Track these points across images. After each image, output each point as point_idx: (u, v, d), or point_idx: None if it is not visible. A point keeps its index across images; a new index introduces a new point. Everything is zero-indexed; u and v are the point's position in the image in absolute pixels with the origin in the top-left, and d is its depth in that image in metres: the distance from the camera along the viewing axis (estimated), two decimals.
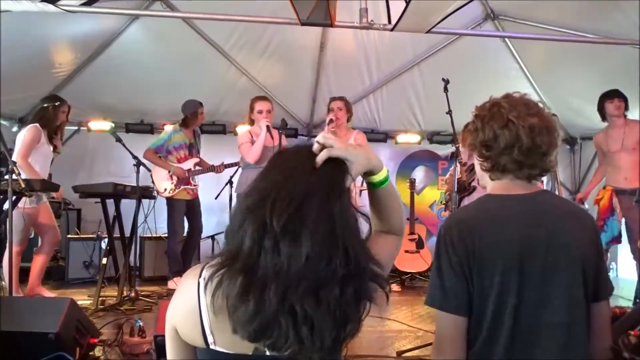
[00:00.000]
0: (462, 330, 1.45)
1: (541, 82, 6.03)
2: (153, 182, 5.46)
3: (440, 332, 1.49)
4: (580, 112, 5.21)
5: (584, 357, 1.44)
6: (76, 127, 6.66)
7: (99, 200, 4.85)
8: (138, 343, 3.10)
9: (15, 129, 6.10)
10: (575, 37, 4.59)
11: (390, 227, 1.33)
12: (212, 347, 1.09)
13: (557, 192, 4.71)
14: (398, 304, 4.72)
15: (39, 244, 4.74)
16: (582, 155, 6.96)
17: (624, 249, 6.13)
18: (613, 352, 1.56)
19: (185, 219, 5.56)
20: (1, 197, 3.87)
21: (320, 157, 1.12)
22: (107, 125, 6.40)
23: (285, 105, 6.69)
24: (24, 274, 4.55)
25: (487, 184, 1.62)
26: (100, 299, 4.39)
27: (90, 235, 5.95)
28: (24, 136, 4.49)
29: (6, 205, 3.85)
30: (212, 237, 6.23)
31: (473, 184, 4.77)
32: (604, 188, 4.84)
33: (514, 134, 1.47)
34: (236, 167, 5.43)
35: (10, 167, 3.52)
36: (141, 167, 4.78)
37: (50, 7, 3.48)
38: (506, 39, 5.67)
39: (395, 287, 5.69)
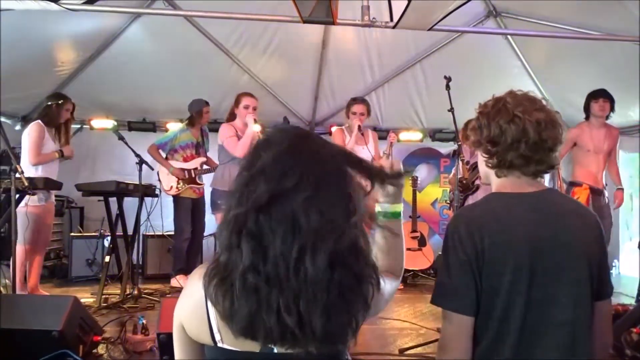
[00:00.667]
0: (469, 329, 1.44)
1: (543, 79, 6.01)
2: (159, 179, 5.48)
3: (447, 331, 1.48)
4: (582, 109, 5.19)
5: (589, 355, 1.44)
6: (79, 126, 6.66)
7: (101, 198, 4.86)
8: (141, 341, 3.11)
9: (18, 127, 6.12)
10: (577, 34, 4.58)
11: (389, 266, 1.34)
12: (219, 345, 1.09)
13: (558, 189, 4.71)
14: (400, 302, 4.72)
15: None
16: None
17: (626, 246, 6.14)
18: (615, 350, 1.56)
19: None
20: (4, 195, 3.88)
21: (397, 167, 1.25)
22: (109, 123, 6.42)
23: (287, 102, 6.69)
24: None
25: (493, 182, 1.61)
26: (103, 296, 4.41)
27: (93, 234, 5.98)
28: (29, 135, 4.52)
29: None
30: (215, 235, 6.24)
31: (477, 182, 4.77)
32: (580, 185, 4.83)
33: (521, 128, 1.47)
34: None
35: (13, 165, 3.53)
36: (144, 165, 4.80)
37: (52, 6, 3.48)
38: (508, 36, 5.66)
39: None
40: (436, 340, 2.76)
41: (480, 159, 1.62)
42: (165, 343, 2.53)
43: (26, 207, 4.23)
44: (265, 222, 1.00)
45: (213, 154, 5.72)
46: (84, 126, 6.67)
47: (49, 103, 4.69)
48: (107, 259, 4.76)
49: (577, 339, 1.42)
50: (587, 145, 4.82)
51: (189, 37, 5.55)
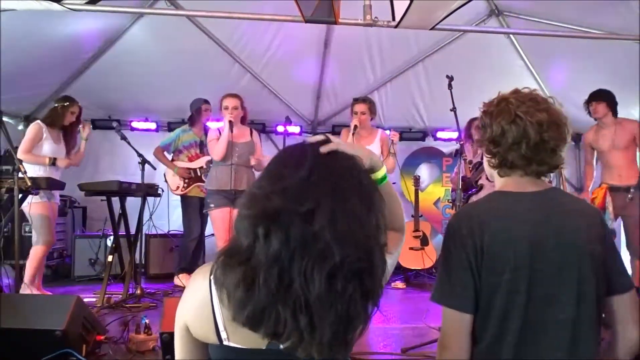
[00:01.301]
0: (468, 327, 1.45)
1: (545, 77, 6.00)
2: (166, 180, 5.51)
3: (446, 328, 1.49)
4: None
5: (592, 354, 1.44)
6: (81, 125, 6.68)
7: (104, 198, 4.87)
8: (144, 340, 3.12)
9: (21, 127, 6.14)
10: (579, 33, 4.58)
11: (390, 224, 1.32)
12: (225, 343, 1.09)
13: (562, 188, 4.70)
14: (403, 301, 4.73)
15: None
16: (584, 154, 6.91)
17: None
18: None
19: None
20: (7, 195, 3.89)
21: (328, 147, 1.14)
22: (112, 123, 6.42)
23: (289, 102, 6.69)
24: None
25: (496, 181, 1.62)
26: (106, 296, 4.41)
27: (96, 233, 5.99)
28: (26, 133, 4.59)
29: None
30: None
31: (480, 181, 4.77)
32: (599, 186, 4.84)
33: (522, 129, 1.48)
34: None
35: (16, 165, 3.54)
36: (146, 165, 4.81)
37: (54, 6, 3.49)
38: (510, 35, 5.65)
39: (399, 284, 5.70)
40: None
41: (485, 158, 1.63)
42: (168, 342, 2.53)
43: (29, 206, 4.26)
44: (300, 221, 1.01)
45: None
46: None
47: (55, 105, 4.74)
48: (109, 258, 4.77)
49: (579, 338, 1.42)
50: (600, 145, 4.86)
51: (191, 37, 5.55)
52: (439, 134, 7.19)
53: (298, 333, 1.01)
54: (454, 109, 3.93)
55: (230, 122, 4.62)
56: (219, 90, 6.24)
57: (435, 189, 7.42)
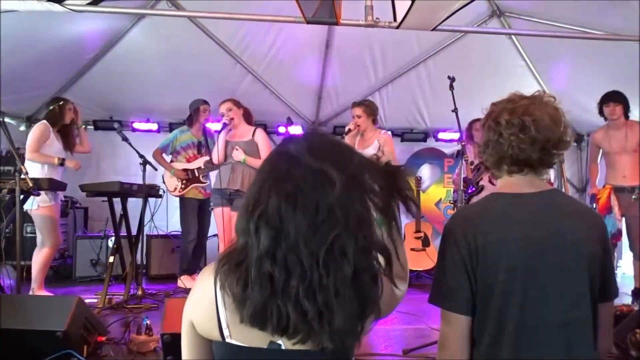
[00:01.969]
0: (466, 329, 1.45)
1: (547, 78, 6.00)
2: (164, 181, 5.50)
3: (444, 330, 1.50)
4: (587, 109, 5.17)
5: (589, 356, 1.43)
6: (83, 126, 6.67)
7: (105, 198, 4.88)
8: (145, 341, 3.12)
9: (22, 127, 6.15)
10: (581, 34, 4.57)
11: (395, 270, 1.33)
12: (227, 340, 1.11)
13: (563, 189, 4.70)
14: (404, 302, 4.70)
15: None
16: (589, 152, 6.92)
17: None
18: (621, 351, 1.56)
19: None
20: (9, 196, 3.90)
21: None
22: (113, 124, 6.43)
23: (290, 103, 6.69)
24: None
25: (497, 182, 1.64)
26: (107, 297, 4.42)
27: (97, 234, 5.99)
28: (32, 132, 4.57)
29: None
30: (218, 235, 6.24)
31: (481, 183, 4.76)
32: (604, 187, 4.84)
33: (486, 130, 1.53)
34: None
35: (18, 166, 3.54)
36: (147, 166, 4.81)
37: (56, 7, 3.49)
38: (512, 36, 5.64)
39: None
40: None
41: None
42: (169, 343, 2.53)
43: (38, 209, 4.27)
44: (288, 211, 1.02)
45: None
46: (88, 127, 6.68)
47: (52, 106, 4.73)
48: (111, 259, 4.78)
49: (575, 339, 1.42)
50: (608, 147, 4.87)
51: (193, 38, 5.56)
52: (441, 135, 7.18)
53: (306, 324, 1.02)
54: (455, 110, 3.93)
55: (224, 124, 4.93)
56: (220, 91, 6.26)
57: (436, 190, 7.42)
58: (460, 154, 4.20)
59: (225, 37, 5.68)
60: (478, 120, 4.56)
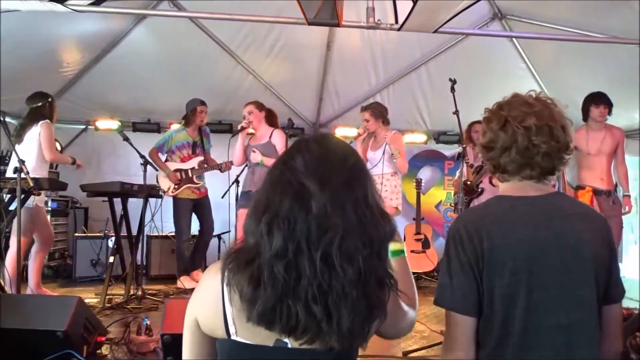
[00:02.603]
0: (471, 330, 1.45)
1: (548, 81, 6.00)
2: (157, 181, 5.49)
3: (450, 332, 1.49)
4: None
5: (592, 359, 1.43)
6: (84, 126, 6.70)
7: (106, 199, 4.88)
8: (145, 341, 3.12)
9: None
10: (582, 37, 4.57)
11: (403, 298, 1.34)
12: (233, 337, 1.11)
13: (564, 192, 4.70)
14: None
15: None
16: None
17: (630, 249, 6.11)
18: (620, 354, 1.55)
19: (195, 218, 5.61)
20: (10, 196, 3.90)
21: None
22: (114, 124, 6.45)
23: (291, 104, 6.70)
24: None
25: (499, 186, 1.63)
26: (108, 297, 4.41)
27: (98, 234, 5.99)
28: (43, 133, 4.43)
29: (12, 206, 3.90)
30: (219, 236, 6.24)
31: (481, 185, 4.76)
32: (583, 188, 4.82)
33: (510, 134, 1.49)
34: (243, 165, 5.45)
35: (19, 165, 3.54)
36: (148, 166, 4.81)
37: (58, 7, 3.50)
38: (513, 39, 5.65)
39: None
40: (440, 343, 2.76)
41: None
42: (169, 344, 2.53)
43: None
44: (301, 213, 1.04)
45: (217, 154, 5.74)
46: (89, 127, 6.70)
47: (40, 104, 4.57)
48: (111, 259, 4.78)
49: (579, 342, 1.41)
50: (586, 148, 4.81)
51: (194, 39, 5.56)
52: (441, 137, 7.19)
53: (315, 325, 1.03)
54: (456, 112, 3.93)
55: (242, 127, 4.95)
56: (221, 91, 6.28)
57: (437, 192, 7.42)
58: (460, 156, 4.21)
59: (227, 38, 5.69)
60: (477, 122, 4.56)
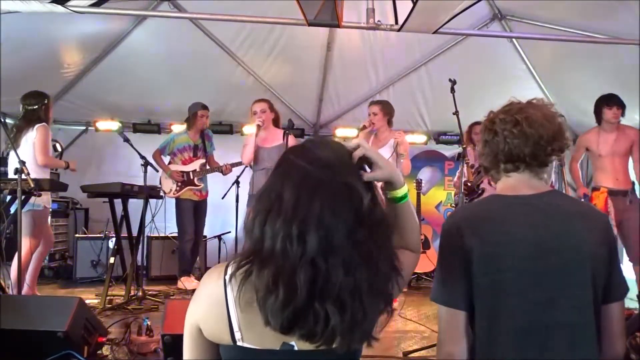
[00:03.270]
0: (460, 323, 1.46)
1: (548, 82, 6.00)
2: (160, 182, 5.50)
3: (440, 325, 1.52)
4: (588, 112, 5.17)
5: (592, 358, 1.43)
6: (84, 127, 6.71)
7: (106, 199, 4.88)
8: (145, 342, 3.12)
9: None
10: (582, 37, 4.58)
11: (406, 244, 1.35)
12: (239, 343, 1.09)
13: (564, 192, 4.70)
14: (404, 304, 4.71)
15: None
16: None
17: None
18: None
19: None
20: (10, 197, 3.89)
21: (357, 154, 1.18)
22: (114, 125, 6.45)
23: (291, 105, 6.70)
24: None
25: (496, 185, 1.64)
26: (108, 298, 4.41)
27: (98, 235, 5.99)
28: (39, 136, 4.37)
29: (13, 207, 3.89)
30: (219, 237, 6.24)
31: (482, 185, 4.76)
32: (598, 189, 4.81)
33: (503, 127, 1.53)
34: (243, 167, 5.45)
35: (20, 166, 3.54)
36: (149, 167, 4.81)
37: (59, 8, 3.50)
38: (513, 39, 5.65)
39: None
40: None
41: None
42: (170, 344, 2.53)
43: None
44: (329, 217, 1.04)
45: (218, 154, 5.75)
46: (89, 128, 6.70)
47: (36, 106, 4.46)
48: (111, 260, 4.77)
49: (577, 342, 1.41)
50: (596, 150, 4.82)
51: (194, 40, 5.57)
52: (442, 138, 7.19)
53: (339, 327, 1.03)
54: (456, 113, 3.92)
55: (258, 125, 4.79)
56: (221, 92, 6.28)
57: (437, 193, 7.43)
58: (461, 157, 4.20)
59: (227, 39, 5.70)
60: (478, 123, 4.57)
